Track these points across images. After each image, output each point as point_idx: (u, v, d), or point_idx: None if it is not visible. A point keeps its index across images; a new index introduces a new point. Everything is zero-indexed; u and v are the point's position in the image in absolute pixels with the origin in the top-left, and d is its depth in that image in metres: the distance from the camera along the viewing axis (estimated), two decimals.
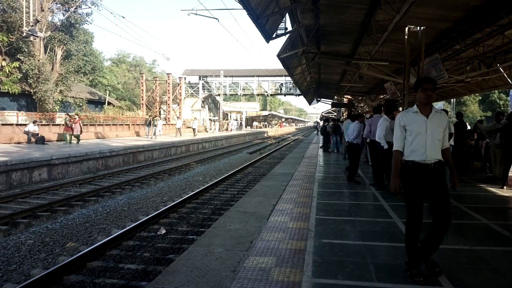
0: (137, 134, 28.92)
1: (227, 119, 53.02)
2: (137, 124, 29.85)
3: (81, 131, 19.39)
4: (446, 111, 8.39)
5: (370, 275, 3.55)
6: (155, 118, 26.29)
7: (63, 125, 20.16)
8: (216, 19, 19.22)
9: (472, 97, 48.77)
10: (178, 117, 34.31)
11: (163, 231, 7.24)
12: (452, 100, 39.58)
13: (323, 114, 55.67)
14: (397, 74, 15.50)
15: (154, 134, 25.36)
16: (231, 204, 9.17)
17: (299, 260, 3.94)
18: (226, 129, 45.70)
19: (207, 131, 40.83)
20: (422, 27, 10.11)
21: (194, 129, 30.93)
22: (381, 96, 25.15)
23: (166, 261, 5.66)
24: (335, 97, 34.72)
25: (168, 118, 36.85)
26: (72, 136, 18.87)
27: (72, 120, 18.81)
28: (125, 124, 29.34)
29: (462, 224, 5.43)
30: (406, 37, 10.31)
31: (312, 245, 4.37)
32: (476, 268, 3.77)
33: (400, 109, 12.38)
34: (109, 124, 27.52)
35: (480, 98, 50.37)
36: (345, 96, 31.84)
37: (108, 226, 7.80)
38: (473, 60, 13.25)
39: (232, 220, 5.64)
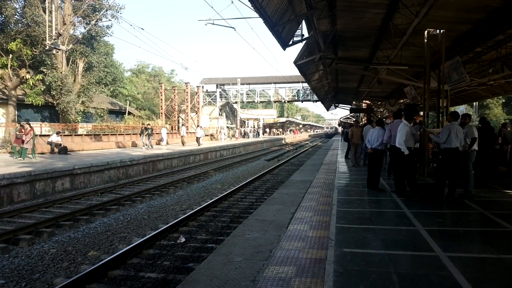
0: (133, 144, 26.62)
1: (245, 126, 52.85)
2: (157, 133, 29.81)
3: (33, 144, 15.92)
4: (469, 115, 8.19)
5: (394, 285, 3.46)
6: (148, 127, 24.75)
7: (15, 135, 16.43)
8: (233, 28, 19.47)
9: (495, 100, 47.39)
10: (182, 125, 33.03)
11: (183, 240, 7.27)
12: (474, 103, 38.61)
13: (341, 119, 55.14)
14: (417, 78, 15.25)
15: (149, 144, 23.71)
16: (249, 212, 9.14)
17: (320, 270, 3.87)
18: (233, 136, 44.40)
19: (211, 140, 38.42)
20: (441, 30, 9.94)
21: (198, 138, 27.94)
22: (401, 101, 24.75)
23: (186, 269, 5.68)
24: (354, 102, 34.37)
25: (187, 127, 37.00)
26: (29, 149, 15.61)
27: (22, 131, 15.51)
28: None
29: (488, 231, 5.26)
30: (425, 40, 10.14)
31: (333, 255, 4.30)
32: (504, 278, 3.63)
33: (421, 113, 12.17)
34: (130, 134, 27.97)
35: (503, 101, 48.93)
36: (363, 101, 31.49)
37: (128, 235, 7.89)
38: (496, 62, 12.92)
39: (251, 228, 5.60)
